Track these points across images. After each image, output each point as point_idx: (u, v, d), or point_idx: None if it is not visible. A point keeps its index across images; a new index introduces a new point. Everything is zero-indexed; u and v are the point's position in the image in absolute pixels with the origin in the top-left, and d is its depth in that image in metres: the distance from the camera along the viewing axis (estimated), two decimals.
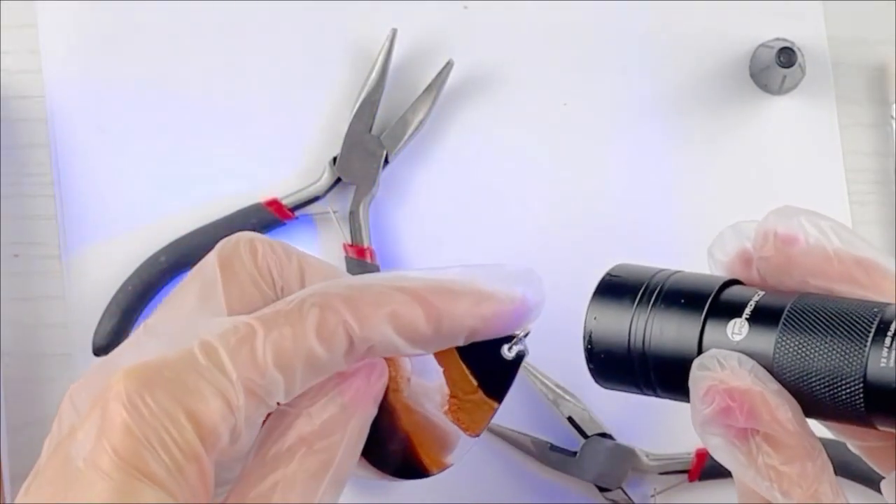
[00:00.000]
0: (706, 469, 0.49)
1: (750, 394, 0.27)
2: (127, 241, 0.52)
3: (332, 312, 0.29)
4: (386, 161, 0.52)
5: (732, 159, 0.52)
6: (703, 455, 0.49)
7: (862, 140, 0.52)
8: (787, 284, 0.29)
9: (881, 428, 0.27)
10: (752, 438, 0.27)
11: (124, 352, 0.31)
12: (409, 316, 0.30)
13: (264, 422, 0.32)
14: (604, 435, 0.50)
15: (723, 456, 0.28)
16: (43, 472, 0.29)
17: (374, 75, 0.52)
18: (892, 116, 0.51)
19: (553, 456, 0.50)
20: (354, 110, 0.52)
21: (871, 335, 0.26)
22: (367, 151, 0.51)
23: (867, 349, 0.26)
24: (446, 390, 0.34)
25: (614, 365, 0.30)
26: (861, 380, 0.26)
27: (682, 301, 0.29)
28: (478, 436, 0.34)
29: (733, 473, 0.29)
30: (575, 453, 0.50)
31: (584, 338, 0.31)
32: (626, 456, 0.50)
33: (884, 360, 0.26)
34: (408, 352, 0.31)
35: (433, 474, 0.34)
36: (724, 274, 0.30)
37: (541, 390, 0.50)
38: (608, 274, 0.31)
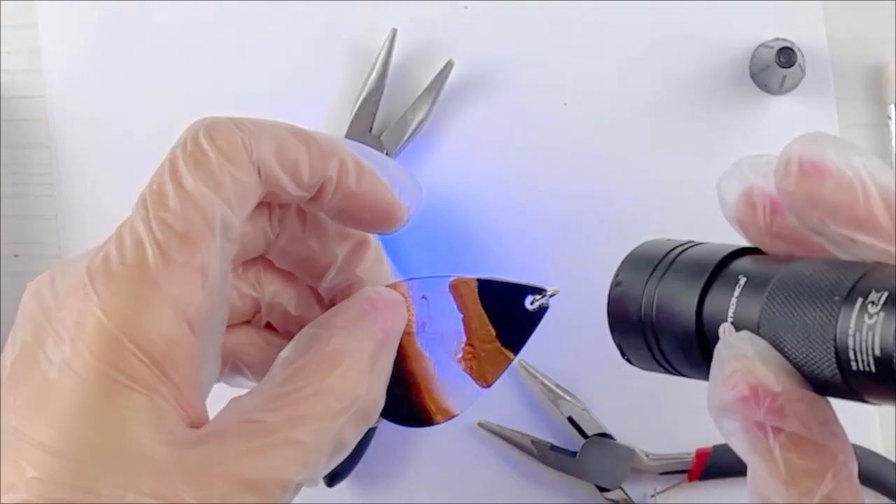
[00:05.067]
0: (706, 469, 0.49)
1: (778, 396, 0.25)
2: None
3: (237, 131, 0.31)
4: None
5: (733, 159, 0.52)
6: (703, 455, 0.49)
7: (861, 140, 0.52)
8: (807, 225, 0.26)
9: (871, 400, 0.25)
10: (770, 433, 0.25)
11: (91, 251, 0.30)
12: (293, 152, 0.31)
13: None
14: (604, 435, 0.50)
15: (737, 443, 0.26)
16: (12, 379, 0.27)
17: (374, 75, 0.52)
18: (889, 117, 0.51)
19: (553, 456, 0.50)
20: (354, 110, 0.52)
21: (841, 304, 0.24)
22: None
23: (837, 320, 0.24)
24: (463, 338, 0.33)
25: (629, 332, 0.30)
26: (833, 351, 0.24)
27: (687, 271, 0.29)
28: (489, 387, 0.33)
29: (746, 459, 0.27)
30: (575, 453, 0.50)
31: (607, 305, 0.31)
32: (626, 456, 0.50)
33: (851, 329, 0.24)
34: (290, 187, 0.31)
35: (438, 423, 0.33)
36: (730, 215, 0.29)
37: (541, 390, 0.50)
38: (636, 247, 0.31)
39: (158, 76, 0.54)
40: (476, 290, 0.33)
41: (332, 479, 0.51)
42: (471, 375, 0.33)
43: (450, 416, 0.33)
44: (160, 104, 0.53)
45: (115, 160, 0.53)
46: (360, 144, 0.33)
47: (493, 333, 0.33)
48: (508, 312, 0.33)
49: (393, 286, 0.34)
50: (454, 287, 0.33)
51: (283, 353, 0.31)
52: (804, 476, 0.25)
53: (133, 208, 0.30)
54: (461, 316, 0.33)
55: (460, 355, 0.33)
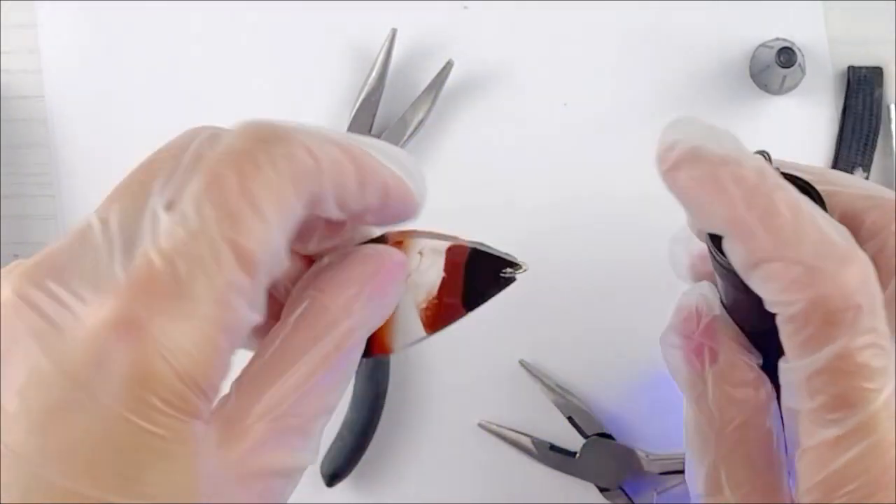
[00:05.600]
0: None
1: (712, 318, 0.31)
2: None
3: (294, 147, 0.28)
4: None
5: None
6: None
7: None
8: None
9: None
10: (707, 361, 0.30)
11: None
12: (345, 178, 0.29)
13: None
14: (604, 435, 0.50)
15: (674, 364, 0.32)
16: (32, 418, 0.24)
17: (374, 75, 0.52)
18: (889, 117, 0.51)
19: (553, 456, 0.50)
20: (354, 110, 0.52)
21: None
22: None
23: None
24: (434, 293, 0.34)
25: None
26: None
27: None
28: (432, 334, 0.34)
29: (685, 395, 0.32)
30: (575, 453, 0.50)
31: None
32: (626, 456, 0.50)
33: None
34: (334, 215, 0.29)
35: (371, 357, 0.34)
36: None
37: (541, 390, 0.50)
38: None
39: (158, 76, 0.54)
40: (466, 257, 0.34)
41: (332, 479, 0.51)
42: (422, 322, 0.34)
43: (386, 354, 0.34)
44: (159, 104, 0.54)
45: (115, 160, 0.53)
46: (387, 145, 0.32)
47: (461, 291, 0.34)
48: (481, 277, 0.35)
49: (399, 237, 0.35)
50: (449, 250, 0.34)
51: (283, 317, 0.30)
52: (729, 401, 0.30)
53: (192, 212, 0.26)
54: (443, 276, 0.34)
55: (424, 306, 0.34)
